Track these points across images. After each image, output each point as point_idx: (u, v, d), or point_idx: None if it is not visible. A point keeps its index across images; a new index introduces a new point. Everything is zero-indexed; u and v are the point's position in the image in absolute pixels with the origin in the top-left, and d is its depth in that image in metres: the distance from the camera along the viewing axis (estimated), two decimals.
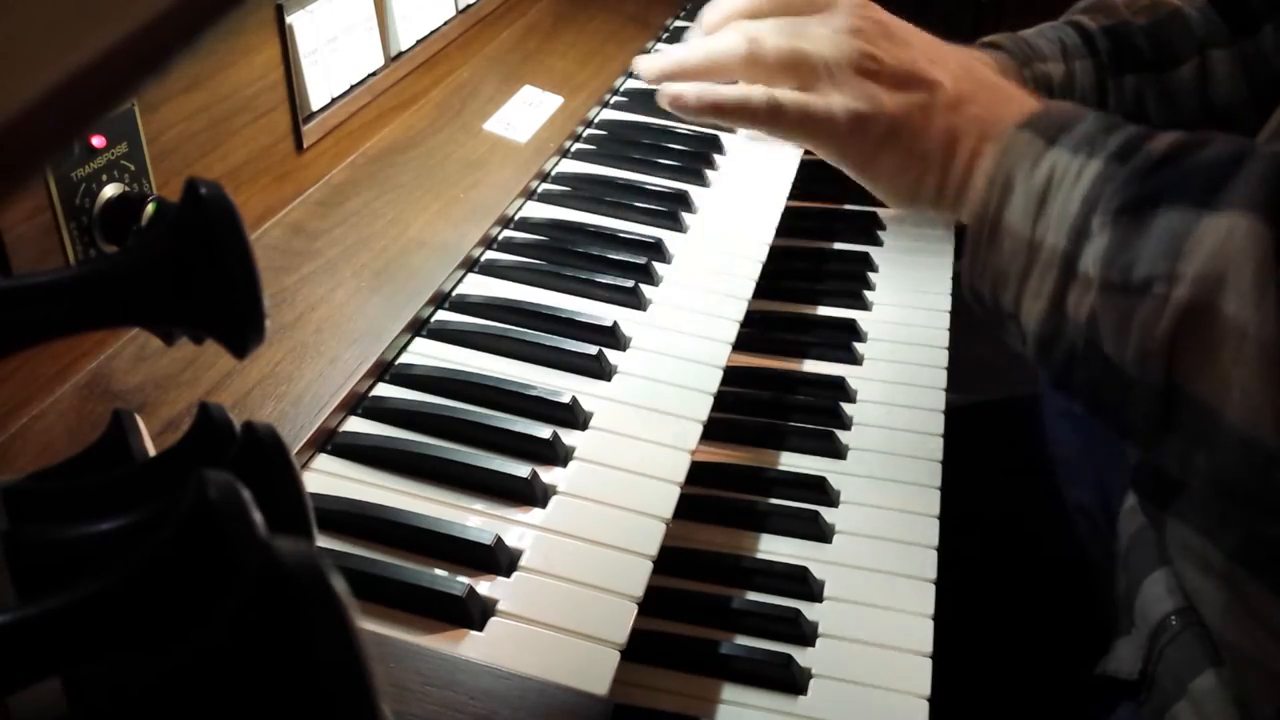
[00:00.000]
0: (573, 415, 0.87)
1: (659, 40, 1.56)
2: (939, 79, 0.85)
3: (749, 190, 1.23)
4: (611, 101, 1.37)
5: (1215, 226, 0.68)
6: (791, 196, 1.24)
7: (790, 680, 0.81)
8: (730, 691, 0.81)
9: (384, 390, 0.88)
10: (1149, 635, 0.90)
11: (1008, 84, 0.88)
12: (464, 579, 0.72)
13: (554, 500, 0.80)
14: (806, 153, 1.32)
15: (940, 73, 0.85)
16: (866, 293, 1.25)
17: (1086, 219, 0.73)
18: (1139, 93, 1.14)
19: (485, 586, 0.73)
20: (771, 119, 0.87)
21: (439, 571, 0.73)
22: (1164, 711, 0.87)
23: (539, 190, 1.17)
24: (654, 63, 0.93)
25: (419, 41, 1.17)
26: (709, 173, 1.24)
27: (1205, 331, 0.67)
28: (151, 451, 0.53)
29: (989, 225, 0.79)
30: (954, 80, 0.85)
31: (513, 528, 0.77)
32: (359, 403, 0.86)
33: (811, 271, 1.29)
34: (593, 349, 0.93)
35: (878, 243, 1.35)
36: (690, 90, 0.90)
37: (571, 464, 0.84)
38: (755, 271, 1.10)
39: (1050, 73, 1.13)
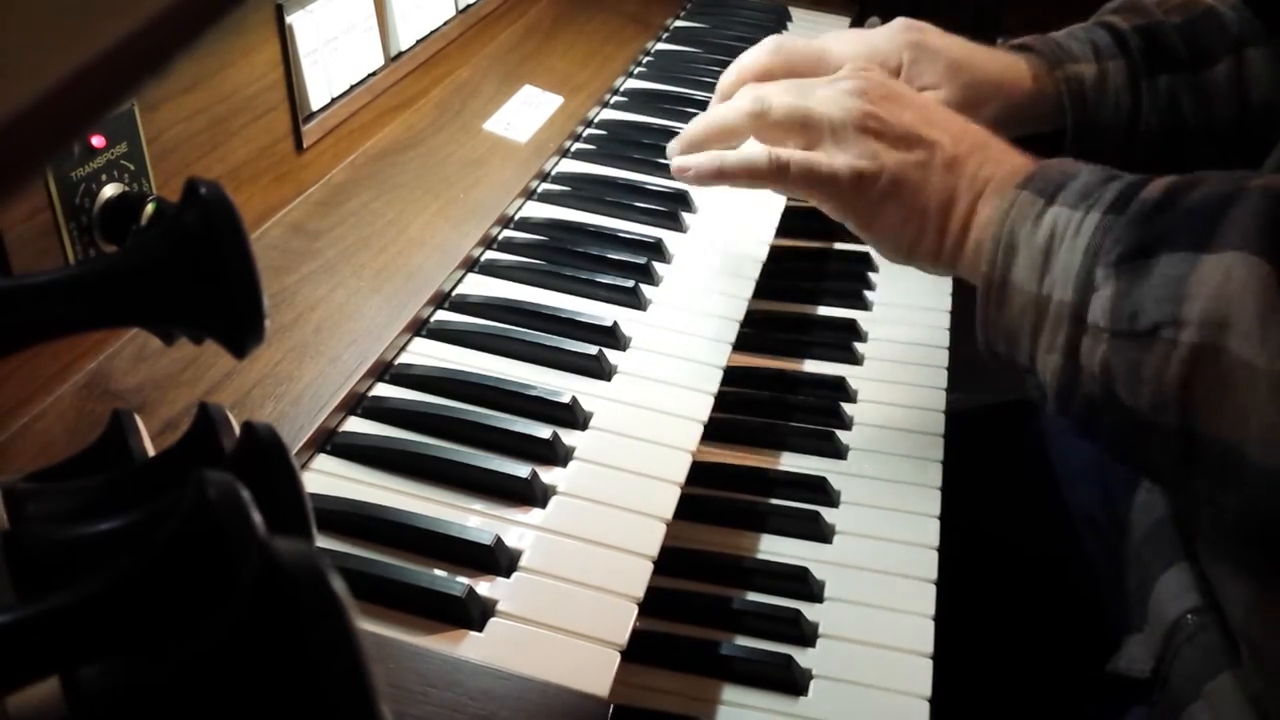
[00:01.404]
0: (573, 415, 0.87)
1: (659, 40, 1.56)
2: (938, 139, 0.88)
3: (749, 190, 1.23)
4: (611, 101, 1.37)
5: (1213, 268, 0.69)
6: (792, 196, 1.24)
7: (790, 681, 0.81)
8: (730, 692, 0.81)
9: (384, 390, 0.88)
10: (1163, 633, 0.90)
11: (1001, 143, 0.91)
12: (464, 579, 0.72)
13: (554, 500, 0.80)
14: None
15: (939, 133, 0.89)
16: (866, 293, 1.25)
17: (1090, 271, 0.75)
18: (1173, 93, 1.14)
19: (485, 587, 0.73)
20: (776, 177, 0.91)
21: (439, 572, 0.73)
22: (1178, 712, 0.86)
23: (539, 190, 1.17)
24: (676, 141, 0.99)
25: (419, 41, 1.17)
26: None
27: (1216, 372, 0.68)
28: (151, 451, 0.53)
29: (997, 286, 0.81)
30: (952, 141, 0.88)
31: (513, 528, 0.77)
32: (359, 403, 0.85)
33: (811, 271, 1.29)
34: (593, 349, 0.93)
35: None
36: (694, 160, 0.95)
37: (571, 464, 0.84)
38: (755, 271, 1.10)
39: (1082, 74, 1.13)
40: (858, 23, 1.72)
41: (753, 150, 0.93)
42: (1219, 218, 0.71)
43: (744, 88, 0.97)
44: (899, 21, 1.21)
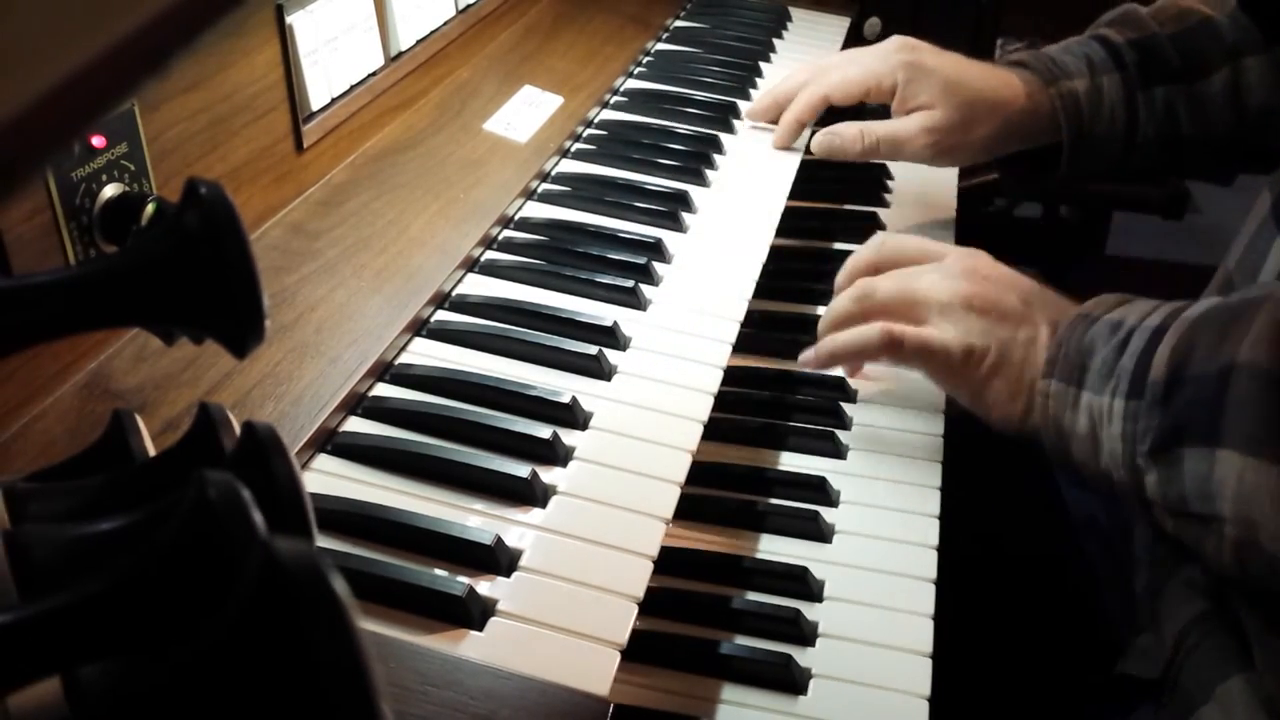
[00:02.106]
0: (573, 415, 0.87)
1: (659, 40, 1.56)
2: (1038, 318, 0.91)
3: (749, 190, 1.23)
4: (611, 101, 1.37)
5: (1228, 468, 0.75)
6: (791, 196, 1.24)
7: (790, 680, 0.81)
8: (730, 691, 0.81)
9: (384, 390, 0.88)
10: (1174, 635, 0.90)
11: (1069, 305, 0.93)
12: (464, 579, 0.72)
13: (554, 500, 0.80)
14: (806, 152, 1.32)
15: (1038, 313, 0.92)
16: None
17: (1132, 457, 0.82)
18: (1169, 104, 1.14)
19: (485, 586, 0.73)
20: (889, 350, 0.95)
21: (439, 571, 0.73)
22: (1188, 715, 0.86)
23: (539, 190, 1.17)
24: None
25: (419, 41, 1.17)
26: (709, 173, 1.24)
27: (1260, 559, 0.76)
28: (151, 451, 0.53)
29: (1065, 459, 0.88)
30: (1048, 318, 0.92)
31: (513, 528, 0.77)
32: (359, 403, 0.85)
33: (811, 271, 1.29)
34: (593, 349, 0.93)
35: None
36: (811, 352, 1.00)
37: (571, 464, 0.84)
38: (755, 272, 1.10)
39: (1077, 89, 1.14)
40: (858, 23, 1.72)
41: (867, 327, 0.96)
42: (1219, 411, 0.76)
43: (856, 282, 1.00)
44: (894, 41, 1.21)
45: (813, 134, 1.28)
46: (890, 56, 1.19)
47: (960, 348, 0.92)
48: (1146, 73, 1.15)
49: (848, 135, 1.20)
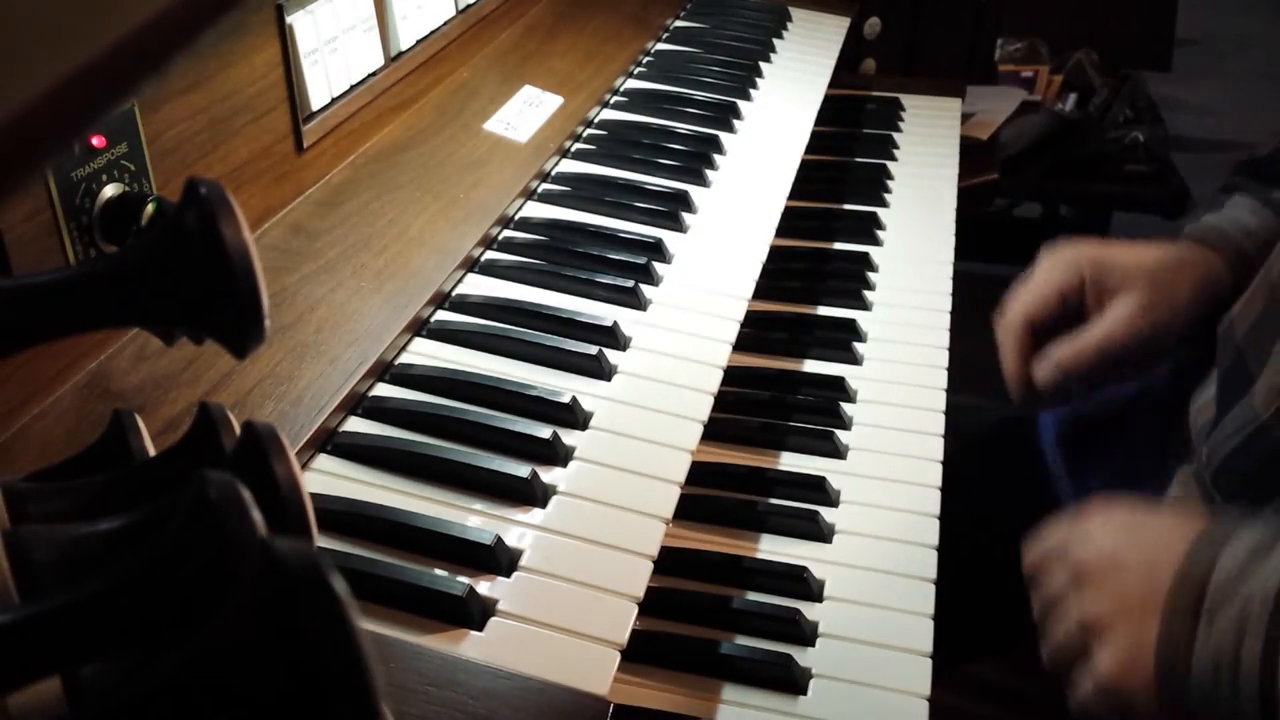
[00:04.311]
0: (573, 415, 0.87)
1: (659, 40, 1.56)
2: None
3: (749, 190, 1.23)
4: (611, 101, 1.37)
5: None
6: (791, 196, 1.24)
7: (790, 680, 0.81)
8: (730, 691, 0.81)
9: (384, 390, 0.88)
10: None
11: None
12: (464, 579, 0.72)
13: (554, 500, 0.80)
14: (807, 152, 1.32)
15: None
16: (866, 293, 1.25)
17: None
18: None
19: (485, 586, 0.73)
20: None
21: (439, 571, 0.73)
22: None
23: (539, 190, 1.17)
24: None
25: (419, 41, 1.17)
26: (709, 173, 1.24)
27: None
28: (151, 451, 0.53)
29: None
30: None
31: (513, 528, 0.77)
32: (359, 403, 0.86)
33: (811, 271, 1.29)
34: (593, 349, 0.93)
35: (878, 243, 1.35)
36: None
37: (571, 464, 0.84)
38: (755, 271, 1.10)
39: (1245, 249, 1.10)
40: (858, 23, 1.72)
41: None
42: None
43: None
44: (1060, 246, 1.15)
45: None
46: (1065, 257, 1.14)
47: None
48: None
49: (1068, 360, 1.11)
